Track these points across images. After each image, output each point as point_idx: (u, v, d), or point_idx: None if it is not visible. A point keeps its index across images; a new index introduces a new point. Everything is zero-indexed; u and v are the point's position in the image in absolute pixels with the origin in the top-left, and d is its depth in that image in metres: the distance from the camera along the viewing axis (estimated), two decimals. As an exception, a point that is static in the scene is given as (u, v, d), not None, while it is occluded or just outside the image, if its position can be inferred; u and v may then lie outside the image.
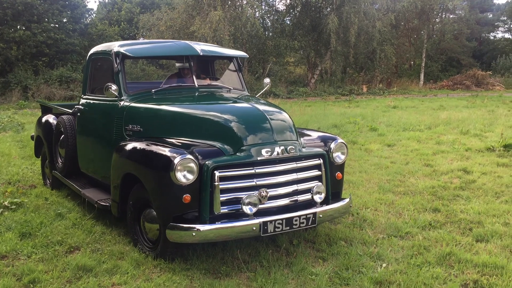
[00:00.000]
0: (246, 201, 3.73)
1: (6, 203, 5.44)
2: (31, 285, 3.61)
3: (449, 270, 3.86)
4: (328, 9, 27.34)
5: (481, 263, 3.92)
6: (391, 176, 6.94)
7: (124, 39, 29.57)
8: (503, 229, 4.70)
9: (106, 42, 22.27)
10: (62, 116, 6.00)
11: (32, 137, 7.31)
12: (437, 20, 35.71)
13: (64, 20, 25.84)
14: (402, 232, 4.68)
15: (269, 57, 28.37)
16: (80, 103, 5.66)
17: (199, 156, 3.77)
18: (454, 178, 6.78)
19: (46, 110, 7.04)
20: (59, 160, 6.04)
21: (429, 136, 10.44)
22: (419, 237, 4.56)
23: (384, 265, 3.95)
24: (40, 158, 6.94)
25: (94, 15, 32.37)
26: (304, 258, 4.09)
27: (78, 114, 5.60)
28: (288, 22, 29.05)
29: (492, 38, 40.74)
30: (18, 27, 23.96)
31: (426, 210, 5.38)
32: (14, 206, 5.42)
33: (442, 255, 4.10)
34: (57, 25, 25.44)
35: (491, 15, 40.60)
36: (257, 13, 28.60)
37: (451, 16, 36.06)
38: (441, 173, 7.09)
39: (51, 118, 6.40)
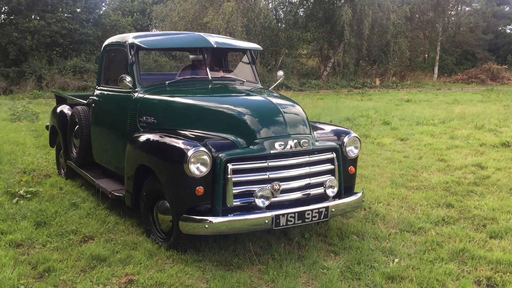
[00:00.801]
0: (259, 194, 3.74)
1: (21, 192, 5.52)
2: (46, 274, 3.67)
3: (462, 267, 3.84)
4: (342, 0, 27.08)
5: (495, 260, 3.89)
6: (404, 170, 6.89)
7: (137, 29, 29.64)
8: (518, 226, 4.65)
9: (119, 32, 22.39)
10: (76, 106, 6.05)
11: (47, 127, 7.39)
12: (453, 12, 35.18)
13: (78, 10, 25.95)
14: (415, 227, 4.65)
15: (281, 49, 28.23)
16: (95, 94, 5.70)
17: (213, 149, 3.78)
18: (468, 173, 6.72)
19: (60, 100, 7.11)
20: (74, 150, 6.10)
21: (443, 131, 10.35)
22: (432, 232, 4.54)
23: (396, 260, 3.94)
24: (54, 148, 7.02)
25: (107, 6, 32.46)
26: (316, 251, 4.10)
27: (93, 105, 5.64)
28: (301, 14, 28.86)
29: (508, 31, 40.04)
30: (33, 16, 24.12)
31: (440, 205, 5.34)
32: (29, 195, 5.50)
33: (455, 251, 4.08)
34: (71, 15, 25.57)
35: (508, 8, 39.86)
36: (270, 4, 28.48)
37: (467, 8, 35.50)
38: (455, 168, 7.03)
39: (65, 109, 6.47)
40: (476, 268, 3.82)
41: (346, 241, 4.33)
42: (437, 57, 32.20)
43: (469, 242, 4.29)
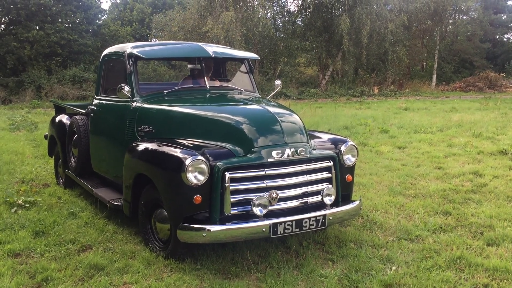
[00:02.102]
0: (256, 202, 3.75)
1: (20, 201, 5.52)
2: (44, 283, 3.67)
3: (459, 274, 3.85)
4: (340, 10, 27.29)
5: (492, 267, 3.91)
6: (402, 178, 6.91)
7: (136, 39, 29.79)
8: (515, 233, 4.67)
9: (118, 42, 22.51)
10: (75, 116, 6.08)
11: (45, 137, 7.41)
12: (450, 21, 35.43)
13: (77, 21, 26.08)
14: (412, 235, 4.67)
15: (280, 58, 28.38)
16: (93, 103, 5.73)
17: (210, 158, 3.80)
18: (466, 181, 6.74)
19: (59, 110, 7.14)
20: (72, 159, 6.11)
21: (441, 139, 10.38)
22: (429, 240, 4.55)
23: (393, 268, 3.95)
24: (53, 158, 7.03)
25: (106, 15, 32.63)
26: (313, 259, 4.10)
27: (91, 114, 5.67)
28: (300, 23, 29.04)
29: (506, 40, 40.31)
30: (32, 27, 24.23)
31: (437, 213, 5.36)
32: (28, 205, 5.50)
33: (452, 258, 4.09)
34: (70, 26, 25.69)
35: (505, 17, 40.17)
36: (269, 14, 28.67)
37: (464, 17, 35.78)
38: (453, 176, 7.05)
39: (64, 118, 6.49)
40: (473, 275, 3.83)
41: (343, 249, 4.34)
42: (435, 66, 32.39)
43: (466, 249, 4.30)
